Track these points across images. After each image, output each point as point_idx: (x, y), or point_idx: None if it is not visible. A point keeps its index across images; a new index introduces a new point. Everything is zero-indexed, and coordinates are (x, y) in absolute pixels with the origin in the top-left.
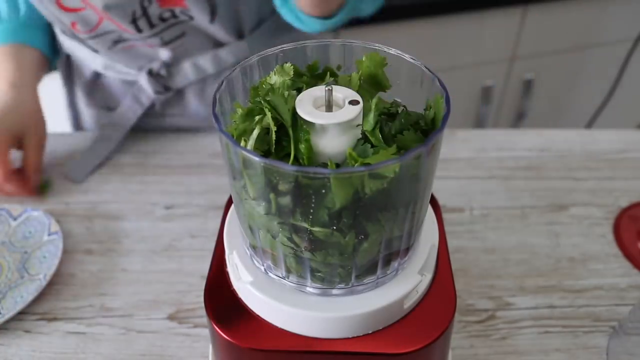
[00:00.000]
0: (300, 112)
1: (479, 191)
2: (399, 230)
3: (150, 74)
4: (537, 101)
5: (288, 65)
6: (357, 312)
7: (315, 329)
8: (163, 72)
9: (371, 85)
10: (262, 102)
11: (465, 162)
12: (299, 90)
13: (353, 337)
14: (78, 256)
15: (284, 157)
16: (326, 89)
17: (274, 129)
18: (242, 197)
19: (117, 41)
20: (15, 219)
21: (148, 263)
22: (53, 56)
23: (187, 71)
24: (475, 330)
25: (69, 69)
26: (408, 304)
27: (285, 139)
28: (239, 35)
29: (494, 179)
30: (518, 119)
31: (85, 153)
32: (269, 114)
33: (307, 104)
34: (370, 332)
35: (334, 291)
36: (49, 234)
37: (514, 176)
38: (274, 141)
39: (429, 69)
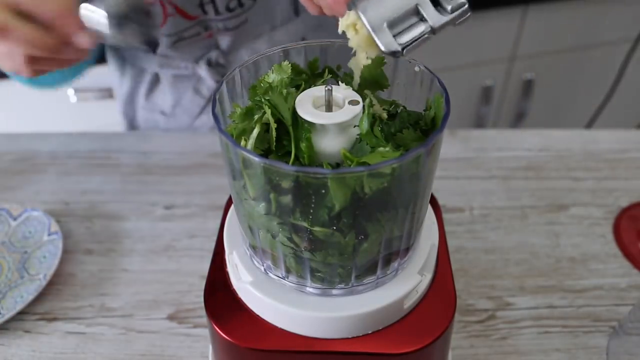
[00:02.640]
0: (301, 112)
1: (479, 191)
2: (398, 230)
3: (209, 64)
4: (537, 101)
5: (286, 63)
6: (357, 312)
7: (315, 329)
8: (222, 60)
9: (370, 84)
10: (262, 100)
11: (465, 162)
12: (298, 88)
13: (353, 337)
14: (78, 256)
15: (285, 156)
16: (326, 89)
17: (274, 126)
18: (242, 197)
19: (176, 40)
20: (15, 219)
21: (148, 263)
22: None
23: (244, 56)
24: (475, 330)
25: (135, 77)
26: (408, 304)
27: (285, 137)
28: (296, 11)
29: (494, 179)
30: (518, 119)
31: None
32: (268, 112)
33: (307, 104)
34: (370, 332)
35: (334, 291)
36: (49, 234)
37: (513, 176)
38: (274, 139)
39: (429, 69)
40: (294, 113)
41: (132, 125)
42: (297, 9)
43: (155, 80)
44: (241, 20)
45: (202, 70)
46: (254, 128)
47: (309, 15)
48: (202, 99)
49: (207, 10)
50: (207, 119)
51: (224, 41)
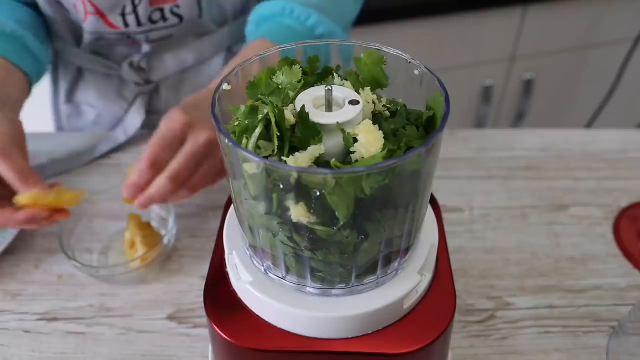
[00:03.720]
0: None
1: (479, 191)
2: (399, 230)
3: (131, 66)
4: (537, 101)
5: (297, 67)
6: (357, 312)
7: (315, 329)
8: (144, 64)
9: (369, 83)
10: (268, 102)
11: (465, 162)
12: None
13: (353, 337)
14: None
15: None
16: (326, 89)
17: (275, 129)
18: (242, 196)
19: (99, 39)
20: None
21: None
22: (36, 79)
23: (168, 63)
24: (475, 330)
25: (56, 67)
26: (408, 304)
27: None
28: (223, 24)
29: (494, 179)
30: (518, 119)
31: (57, 159)
32: (272, 113)
33: (307, 104)
34: (370, 332)
35: (334, 291)
36: None
37: (514, 176)
38: (276, 140)
39: (429, 69)
40: (302, 113)
41: (59, 124)
42: (224, 21)
43: (79, 75)
44: (164, 34)
45: (125, 72)
46: (256, 127)
47: (235, 26)
48: (125, 102)
49: (129, 23)
50: (135, 121)
51: (146, 47)
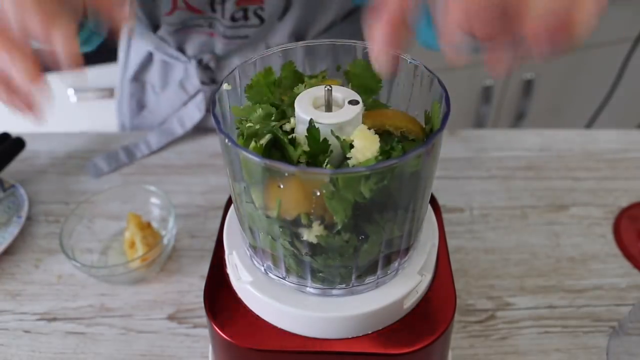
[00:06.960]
0: (300, 112)
1: (479, 191)
2: (399, 231)
3: (200, 63)
4: (537, 101)
5: (312, 81)
6: (357, 312)
7: (315, 329)
8: (212, 64)
9: (362, 92)
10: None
11: (465, 162)
12: None
13: (353, 337)
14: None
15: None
16: (326, 89)
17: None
18: (242, 198)
19: (177, 30)
20: None
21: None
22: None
23: (234, 65)
24: (475, 330)
25: (129, 45)
26: (408, 304)
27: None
28: (298, 40)
29: (494, 179)
30: (518, 119)
31: (112, 154)
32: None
33: (307, 104)
34: (370, 332)
35: (334, 291)
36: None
37: (513, 176)
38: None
39: (428, 69)
40: (311, 129)
41: (121, 102)
42: (297, 38)
43: (149, 58)
44: (241, 34)
45: (192, 68)
46: (265, 134)
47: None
48: (185, 95)
49: (216, 10)
50: (194, 115)
51: (219, 46)
